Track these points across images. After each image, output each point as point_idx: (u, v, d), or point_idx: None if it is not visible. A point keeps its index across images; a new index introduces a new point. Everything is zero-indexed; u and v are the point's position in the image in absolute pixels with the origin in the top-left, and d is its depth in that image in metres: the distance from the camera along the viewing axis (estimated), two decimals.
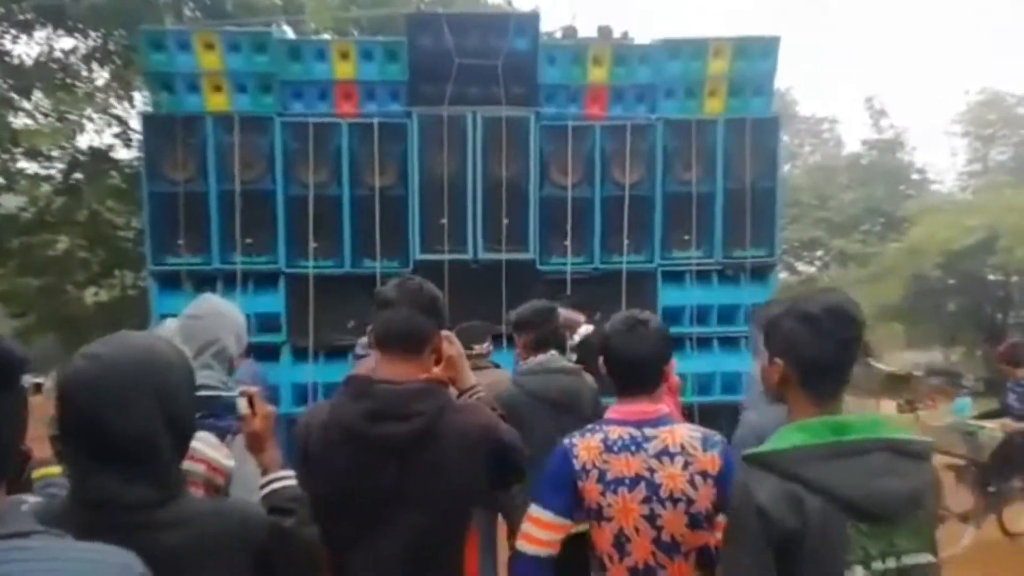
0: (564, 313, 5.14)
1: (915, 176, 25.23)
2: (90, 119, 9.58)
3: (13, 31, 9.49)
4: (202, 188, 6.08)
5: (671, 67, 6.43)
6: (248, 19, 8.64)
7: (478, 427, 1.97)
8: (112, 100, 9.78)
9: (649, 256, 6.44)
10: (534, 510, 2.10)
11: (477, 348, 4.34)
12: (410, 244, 6.21)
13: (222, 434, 1.86)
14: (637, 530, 2.00)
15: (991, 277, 17.05)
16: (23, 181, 9.61)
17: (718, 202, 6.47)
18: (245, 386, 1.76)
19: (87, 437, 1.28)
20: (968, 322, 18.28)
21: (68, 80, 9.78)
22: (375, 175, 6.17)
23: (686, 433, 2.07)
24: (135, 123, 9.68)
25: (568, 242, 6.34)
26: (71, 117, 9.18)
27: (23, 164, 9.73)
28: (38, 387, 2.33)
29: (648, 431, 2.05)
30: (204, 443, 1.88)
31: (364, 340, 5.26)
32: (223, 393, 1.70)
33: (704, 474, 2.00)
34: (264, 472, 1.71)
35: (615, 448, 2.03)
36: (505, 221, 6.22)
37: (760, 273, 6.58)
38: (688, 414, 6.33)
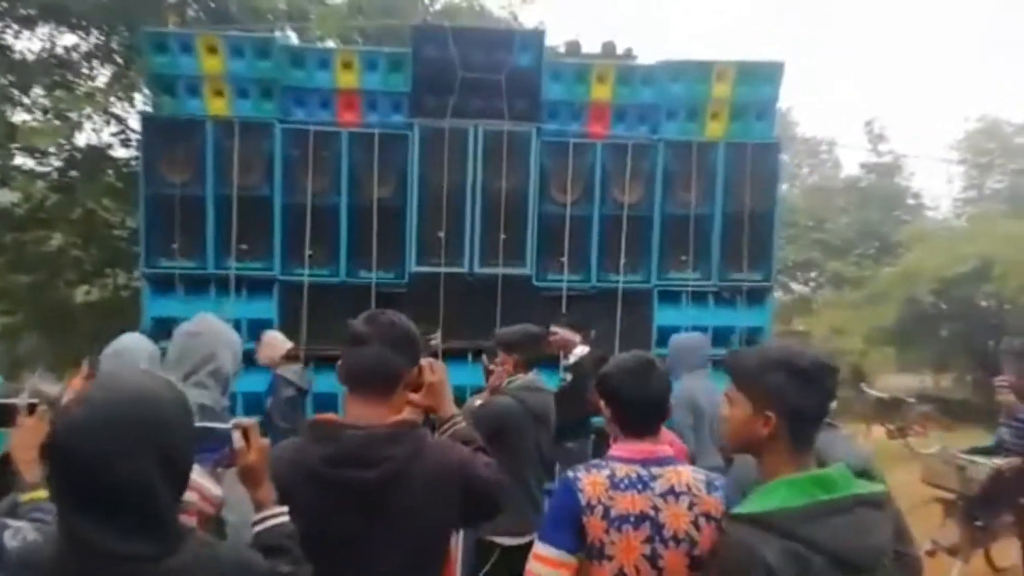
0: (560, 332, 5.12)
1: (911, 201, 25.34)
2: (89, 118, 9.53)
3: (15, 26, 9.45)
4: (199, 192, 6.04)
5: (674, 88, 6.44)
6: (252, 24, 8.63)
7: (450, 468, 1.91)
8: (112, 99, 9.72)
9: (646, 276, 6.43)
10: (540, 548, 2.03)
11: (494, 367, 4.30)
12: (406, 256, 6.18)
13: (215, 464, 1.82)
14: (637, 570, 1.97)
15: (984, 304, 17.09)
16: (18, 177, 9.54)
17: (716, 225, 6.47)
18: (238, 418, 1.72)
19: (82, 488, 1.23)
20: (960, 348, 18.29)
21: (69, 77, 9.73)
22: (374, 185, 6.15)
23: (691, 474, 2.07)
24: (134, 122, 9.63)
25: (565, 259, 6.32)
26: (70, 116, 9.12)
27: (19, 160, 9.67)
28: (31, 408, 2.28)
29: (654, 470, 2.03)
30: (195, 472, 1.84)
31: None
32: (217, 426, 1.66)
33: (708, 516, 1.99)
34: (258, 508, 1.67)
35: (621, 485, 2.00)
36: (503, 236, 6.20)
37: (756, 296, 6.58)
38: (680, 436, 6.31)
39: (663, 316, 6.40)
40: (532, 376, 4.05)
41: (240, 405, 5.65)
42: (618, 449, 2.11)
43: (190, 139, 6.06)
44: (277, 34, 7.36)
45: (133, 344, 2.72)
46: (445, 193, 6.17)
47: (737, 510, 1.67)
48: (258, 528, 1.64)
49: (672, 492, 1.99)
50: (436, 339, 4.54)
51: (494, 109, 6.17)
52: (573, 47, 8.03)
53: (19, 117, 9.47)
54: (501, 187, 6.22)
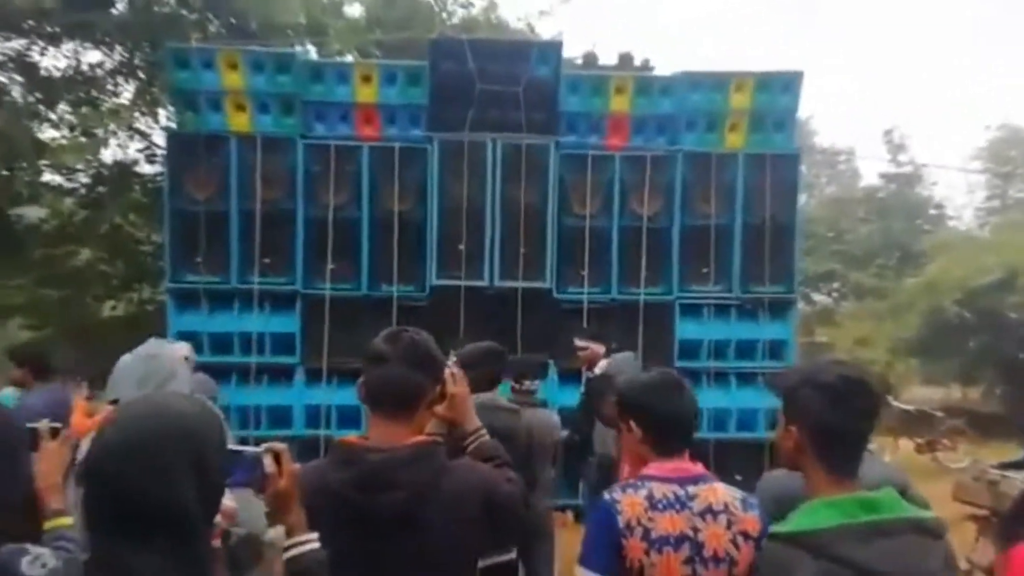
0: (591, 346, 5.08)
1: (933, 211, 25.07)
2: (114, 134, 9.67)
3: (41, 43, 9.63)
4: (223, 207, 6.11)
5: (693, 99, 6.42)
6: (272, 39, 8.74)
7: (473, 488, 1.88)
8: (136, 115, 9.87)
9: (667, 288, 6.39)
10: (581, 572, 1.98)
11: (526, 384, 4.22)
12: (427, 269, 6.19)
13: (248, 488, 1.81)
14: None
15: (1012, 315, 16.82)
16: (47, 194, 9.70)
17: (737, 236, 6.42)
18: (270, 443, 1.71)
19: (118, 511, 1.23)
20: (987, 360, 18.00)
21: (94, 93, 9.89)
22: (394, 199, 6.18)
23: (725, 491, 2.04)
24: (159, 138, 9.77)
25: (585, 272, 6.30)
26: (96, 132, 9.26)
27: (47, 176, 9.83)
28: (55, 432, 2.29)
29: (691, 489, 2.01)
30: None
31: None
32: (247, 449, 1.65)
33: (746, 535, 1.96)
34: (289, 533, 1.66)
35: (660, 506, 1.97)
36: (522, 249, 6.20)
37: (779, 309, 6.51)
38: (703, 451, 6.25)
39: (684, 329, 6.36)
40: (491, 395, 3.80)
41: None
42: (654, 468, 2.07)
43: (214, 155, 6.13)
44: (297, 49, 7.42)
45: (166, 349, 2.75)
46: (465, 206, 6.18)
47: (775, 528, 1.64)
48: (290, 553, 1.62)
49: (710, 511, 1.97)
50: (536, 384, 4.36)
51: (512, 121, 6.19)
52: (590, 59, 8.06)
53: (46, 134, 9.65)
54: (520, 200, 6.22)
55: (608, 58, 8.00)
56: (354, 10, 11.26)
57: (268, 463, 1.62)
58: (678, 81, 6.48)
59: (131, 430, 1.25)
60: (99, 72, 10.07)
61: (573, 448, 4.80)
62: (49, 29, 9.37)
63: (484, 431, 2.20)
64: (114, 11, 9.47)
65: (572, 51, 7.93)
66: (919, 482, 3.22)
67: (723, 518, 1.96)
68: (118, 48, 9.96)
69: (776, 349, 6.38)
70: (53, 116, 9.72)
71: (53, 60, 9.87)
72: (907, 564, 1.50)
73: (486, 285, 6.19)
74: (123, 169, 10.12)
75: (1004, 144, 26.65)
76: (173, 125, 6.74)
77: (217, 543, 1.84)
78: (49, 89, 9.53)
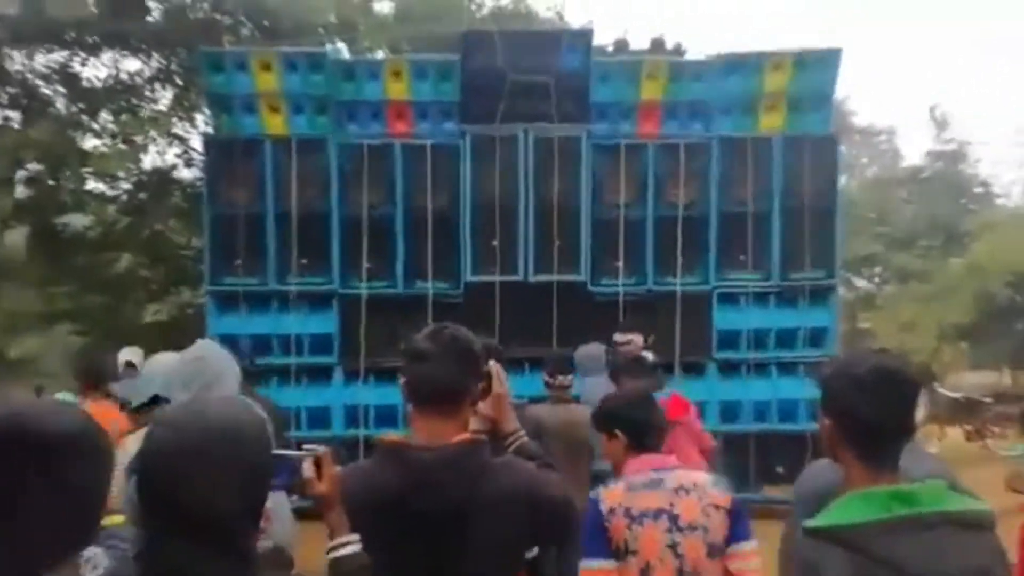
0: (635, 340, 5.00)
1: (979, 189, 24.30)
2: (154, 140, 9.87)
3: (82, 54, 9.85)
4: (260, 210, 6.19)
5: (728, 83, 6.31)
6: (303, 38, 8.80)
7: (518, 488, 1.87)
8: (174, 120, 10.05)
9: (704, 278, 6.30)
10: (585, 564, 2.22)
11: (560, 379, 4.19)
12: (462, 265, 6.20)
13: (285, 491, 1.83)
14: (661, 560, 2.17)
15: None
16: (91, 202, 9.94)
17: (775, 222, 6.30)
18: (312, 446, 1.72)
19: (170, 511, 1.25)
20: None
21: (133, 101, 10.10)
22: (428, 196, 6.19)
23: (695, 474, 2.37)
24: (196, 143, 9.94)
25: (620, 263, 6.25)
26: (136, 139, 9.46)
27: (91, 185, 10.07)
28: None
29: (665, 474, 2.31)
30: None
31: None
32: (289, 453, 1.66)
33: (716, 506, 2.22)
34: (331, 535, 1.67)
35: (637, 487, 2.27)
36: (557, 242, 6.17)
37: (820, 296, 6.38)
38: (743, 444, 6.16)
39: (723, 319, 6.27)
40: None
41: None
42: (630, 467, 2.36)
43: (250, 158, 6.22)
44: (328, 48, 7.47)
45: (215, 352, 2.75)
46: (498, 201, 6.17)
47: (809, 523, 1.57)
48: (333, 555, 1.63)
49: (683, 488, 2.25)
50: (569, 379, 4.26)
51: (543, 112, 6.16)
52: (622, 45, 7.94)
53: (89, 143, 9.88)
54: (553, 193, 6.19)
55: (640, 43, 7.88)
56: (383, 6, 11.31)
57: (307, 468, 1.63)
58: (712, 65, 6.37)
59: (181, 432, 1.27)
60: (138, 80, 10.28)
61: None
62: (89, 40, 9.58)
63: (523, 432, 2.19)
64: (150, 19, 9.65)
65: (603, 38, 7.85)
66: (969, 470, 3.14)
67: (694, 494, 2.24)
68: (155, 55, 10.15)
69: (817, 337, 6.25)
70: (95, 125, 9.95)
71: (93, 70, 10.10)
72: (946, 560, 1.44)
73: (521, 280, 6.17)
74: (162, 175, 10.32)
75: None
76: (210, 130, 6.85)
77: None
78: (91, 99, 9.76)
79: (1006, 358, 19.05)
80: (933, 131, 23.59)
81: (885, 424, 1.58)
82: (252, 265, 6.17)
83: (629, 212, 6.28)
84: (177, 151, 10.49)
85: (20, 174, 9.15)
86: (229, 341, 4.87)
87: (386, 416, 5.81)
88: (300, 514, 2.98)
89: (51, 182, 9.51)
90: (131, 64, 10.26)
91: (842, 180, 7.47)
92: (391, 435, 1.95)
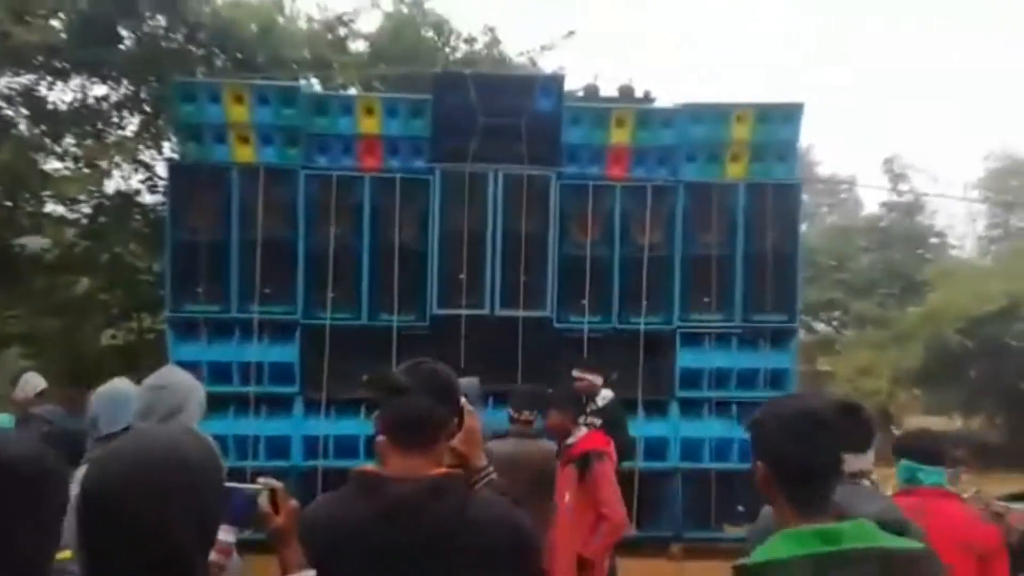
0: (588, 377, 5.05)
1: (934, 240, 25.11)
2: (118, 166, 9.76)
3: (49, 78, 9.76)
4: (224, 237, 6.13)
5: (694, 130, 6.48)
6: (277, 73, 8.85)
7: (498, 523, 1.85)
8: (140, 147, 9.96)
9: (668, 318, 6.39)
10: None
11: (525, 415, 4.18)
12: (428, 299, 6.20)
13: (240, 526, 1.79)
14: None
15: (1013, 344, 16.76)
16: (49, 225, 9.76)
17: (738, 266, 6.44)
18: (266, 479, 1.69)
19: (113, 544, 1.22)
20: (989, 389, 17.89)
21: (99, 126, 9.99)
22: (395, 229, 6.21)
23: None
24: (162, 169, 9.84)
25: (586, 301, 6.31)
26: (100, 164, 9.35)
27: (50, 207, 9.89)
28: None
29: None
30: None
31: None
32: (244, 486, 1.64)
33: None
34: (285, 571, 1.64)
35: None
36: (523, 278, 6.22)
37: (780, 338, 6.51)
38: (705, 481, 6.19)
39: (686, 358, 6.34)
40: None
41: None
42: None
43: (216, 186, 6.18)
44: (301, 82, 7.52)
45: (177, 380, 2.70)
46: (466, 236, 6.21)
47: (737, 562, 1.62)
48: None
49: None
50: (533, 415, 4.25)
51: (514, 153, 6.24)
52: (592, 91, 8.12)
53: (51, 165, 9.72)
54: (521, 230, 6.25)
55: (609, 90, 8.08)
56: (358, 45, 11.42)
57: (263, 501, 1.61)
58: (679, 113, 6.55)
59: (129, 461, 1.24)
60: (104, 105, 10.18)
61: None
62: (58, 65, 9.50)
63: (491, 471, 2.18)
64: (121, 46, 9.61)
65: (574, 83, 8.03)
66: None
67: None
68: (124, 82, 10.09)
69: (777, 378, 6.36)
70: (58, 148, 9.82)
71: (60, 94, 9.99)
72: None
73: (487, 314, 6.19)
74: (125, 199, 10.18)
75: (1004, 174, 26.81)
76: (176, 157, 6.80)
77: None
78: (55, 122, 9.63)
79: (957, 403, 19.50)
80: (889, 183, 24.35)
81: (813, 466, 1.61)
82: (214, 292, 6.09)
83: (596, 251, 6.36)
84: (142, 177, 10.38)
85: None
86: (189, 368, 4.79)
87: (346, 448, 5.74)
88: (249, 547, 2.90)
89: (8, 203, 9.33)
90: (99, 90, 10.18)
91: (804, 228, 7.68)
92: (366, 466, 1.92)
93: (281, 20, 10.34)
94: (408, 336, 6.04)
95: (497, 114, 6.19)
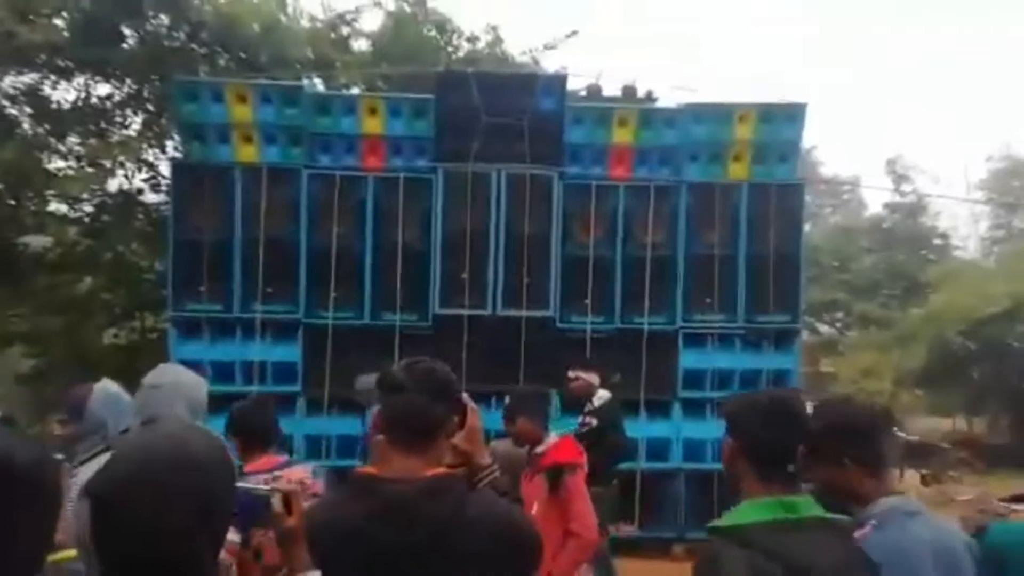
0: (583, 377, 5.05)
1: (937, 241, 25.07)
2: (121, 165, 9.76)
3: (53, 77, 9.77)
4: (227, 236, 6.13)
5: (696, 131, 6.47)
6: (280, 72, 8.84)
7: (498, 522, 1.85)
8: (144, 146, 9.95)
9: (671, 318, 6.38)
10: None
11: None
12: (430, 298, 6.19)
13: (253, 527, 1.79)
14: None
15: (1016, 345, 16.73)
16: (52, 223, 9.76)
17: (741, 266, 6.43)
18: (279, 483, 1.70)
19: (124, 544, 1.21)
20: (992, 390, 17.88)
21: (103, 125, 10.00)
22: (398, 228, 6.21)
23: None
24: (165, 168, 9.85)
25: (589, 301, 6.30)
26: (103, 163, 9.36)
27: (53, 206, 9.90)
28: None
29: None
30: None
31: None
32: (257, 488, 1.64)
33: None
34: (292, 572, 1.64)
35: None
36: (526, 279, 6.21)
37: (783, 339, 6.50)
38: (708, 481, 6.18)
39: (688, 359, 6.33)
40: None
41: None
42: None
43: (219, 185, 6.18)
44: (304, 82, 7.52)
45: (174, 379, 2.71)
46: (468, 236, 6.21)
47: (711, 524, 1.84)
48: None
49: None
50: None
51: (517, 153, 6.24)
52: (594, 91, 8.12)
53: (54, 164, 9.73)
54: (524, 230, 6.25)
55: (612, 89, 8.08)
56: (360, 44, 11.42)
57: (276, 503, 1.61)
58: (681, 113, 6.54)
59: (137, 461, 1.23)
60: (108, 104, 10.18)
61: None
62: (61, 63, 9.51)
63: (495, 468, 2.17)
64: (124, 45, 9.62)
65: (576, 83, 8.02)
66: None
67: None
68: (128, 81, 10.10)
69: (780, 379, 6.34)
70: (62, 147, 9.82)
71: (63, 93, 10.00)
72: (819, 555, 1.75)
73: (489, 314, 6.18)
74: (127, 198, 10.18)
75: (1007, 175, 26.76)
76: (180, 155, 6.80)
77: None
78: (58, 121, 9.64)
79: (961, 404, 19.47)
80: (892, 184, 24.32)
81: (779, 445, 1.88)
82: (216, 291, 6.09)
83: (598, 251, 6.36)
84: (145, 176, 10.39)
85: None
86: (192, 368, 4.80)
87: (348, 447, 5.74)
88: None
89: (12, 202, 9.33)
90: (102, 89, 10.18)
91: (806, 228, 7.67)
92: (365, 467, 1.92)
93: (284, 19, 10.33)
94: (410, 336, 6.04)
95: (500, 114, 6.19)
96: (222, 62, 9.95)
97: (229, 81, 6.65)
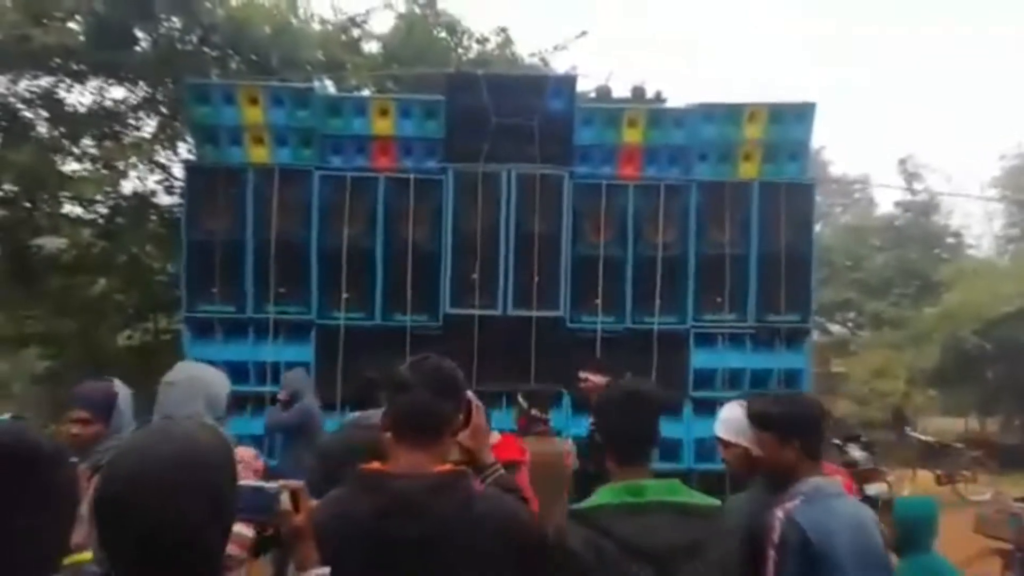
0: (592, 379, 5.05)
1: (950, 239, 24.87)
2: (135, 166, 9.85)
3: (68, 80, 9.86)
4: (239, 238, 6.18)
5: (706, 130, 6.46)
6: (291, 74, 8.90)
7: (505, 519, 1.85)
8: (157, 148, 10.04)
9: (681, 318, 6.38)
10: None
11: (538, 413, 4.18)
12: (441, 298, 6.22)
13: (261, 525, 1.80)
14: None
15: None
16: (66, 225, 9.85)
17: (752, 266, 6.41)
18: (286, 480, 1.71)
19: (133, 540, 1.23)
20: (1006, 390, 17.71)
21: (116, 128, 10.09)
22: (409, 229, 6.24)
23: None
24: (178, 170, 9.93)
25: (599, 301, 6.30)
26: (117, 165, 9.44)
27: (67, 208, 10.00)
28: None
29: None
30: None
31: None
32: (264, 485, 1.65)
33: None
34: (299, 568, 1.65)
35: None
36: (536, 278, 6.23)
37: (794, 339, 6.48)
38: (720, 482, 6.16)
39: (699, 358, 6.33)
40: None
41: None
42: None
43: (231, 187, 6.23)
44: (315, 84, 7.57)
45: (190, 376, 2.71)
46: (479, 236, 6.23)
47: (572, 506, 2.06)
48: None
49: None
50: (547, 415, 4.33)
51: (527, 153, 6.25)
52: (604, 91, 8.13)
53: (69, 167, 9.82)
54: (534, 230, 6.26)
55: (622, 91, 8.08)
56: (371, 46, 11.46)
57: (284, 500, 1.63)
58: (691, 113, 6.53)
59: (143, 457, 1.25)
60: (122, 108, 10.27)
61: (589, 478, 4.77)
62: (75, 67, 9.60)
63: (498, 467, 2.18)
64: (138, 48, 9.70)
65: (586, 85, 8.02)
66: (939, 514, 3.19)
67: None
68: (141, 84, 10.18)
69: (791, 379, 6.32)
70: (76, 150, 9.92)
71: (78, 96, 10.09)
72: (657, 537, 1.89)
73: (499, 314, 6.20)
74: (141, 200, 10.26)
75: (1020, 173, 26.52)
76: (192, 158, 6.85)
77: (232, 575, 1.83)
78: (73, 124, 9.73)
79: (974, 405, 19.31)
80: (903, 183, 24.14)
81: (634, 431, 2.05)
82: (229, 293, 6.14)
83: (609, 251, 6.36)
84: (158, 178, 10.47)
85: None
86: None
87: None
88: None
89: (27, 204, 9.43)
90: (116, 92, 10.27)
91: (817, 227, 7.64)
92: (371, 464, 1.92)
93: (295, 22, 10.38)
94: (421, 336, 6.06)
95: (510, 114, 6.21)
96: (234, 65, 10.02)
97: (241, 83, 6.70)
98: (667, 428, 6.52)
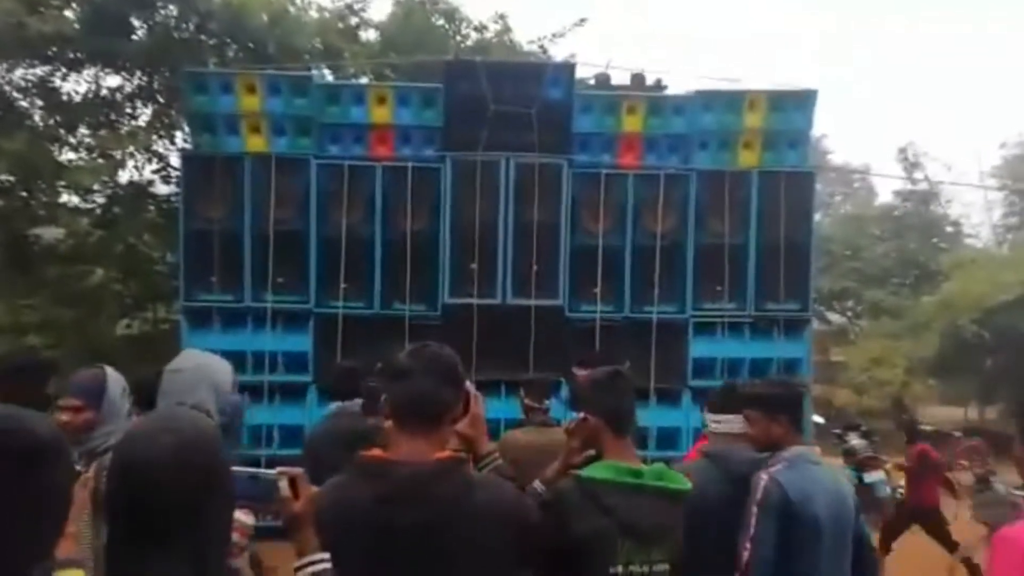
0: (580, 373, 5.02)
1: (949, 229, 24.87)
2: (132, 155, 9.81)
3: (63, 69, 9.81)
4: (237, 227, 6.16)
5: (706, 118, 6.43)
6: (289, 62, 8.85)
7: (505, 506, 1.85)
8: (153, 137, 10.00)
9: (680, 307, 6.37)
10: None
11: (541, 403, 4.17)
12: (439, 288, 6.20)
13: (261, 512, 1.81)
14: None
15: None
16: (64, 214, 9.83)
17: (751, 254, 6.40)
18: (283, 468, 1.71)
19: (137, 526, 1.24)
20: (1005, 379, 17.74)
21: (113, 117, 10.04)
22: (407, 218, 6.21)
23: None
24: (175, 160, 9.89)
25: (598, 290, 6.29)
26: (113, 154, 9.40)
27: (64, 197, 9.97)
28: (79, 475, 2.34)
29: None
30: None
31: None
32: (263, 472, 1.66)
33: None
34: (300, 554, 1.65)
35: None
36: (535, 267, 6.21)
37: (793, 327, 6.47)
38: None
39: (698, 348, 6.32)
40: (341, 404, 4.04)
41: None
42: None
43: (228, 175, 6.20)
44: (313, 72, 7.53)
45: (194, 364, 2.70)
46: (477, 225, 6.20)
47: (574, 472, 2.21)
48: (300, 574, 1.63)
49: None
50: (548, 404, 4.35)
51: (525, 142, 6.22)
52: (603, 79, 8.08)
53: (65, 156, 9.79)
54: (533, 219, 6.24)
55: (621, 78, 8.03)
56: (369, 34, 11.40)
57: (284, 487, 1.64)
58: (690, 100, 6.50)
59: (144, 444, 1.27)
60: (118, 96, 10.22)
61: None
62: (71, 55, 9.54)
63: (496, 455, 2.18)
64: (134, 37, 9.64)
65: (585, 72, 7.97)
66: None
67: None
68: (137, 73, 10.13)
69: (790, 368, 6.32)
70: (72, 139, 9.87)
71: (74, 85, 10.04)
72: (645, 516, 2.13)
73: (498, 303, 6.19)
74: (138, 189, 10.24)
75: (1020, 162, 26.49)
76: (189, 146, 6.82)
77: (235, 561, 1.83)
78: (69, 113, 9.69)
79: (973, 393, 19.36)
80: (904, 172, 24.10)
81: (623, 408, 2.27)
82: (227, 282, 6.12)
83: (608, 240, 6.34)
84: (155, 167, 10.44)
85: None
86: None
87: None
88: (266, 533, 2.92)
89: (23, 193, 9.40)
90: (112, 80, 10.22)
91: (817, 216, 7.62)
92: (371, 451, 1.92)
93: (292, 9, 10.33)
94: (420, 325, 6.05)
95: (508, 102, 6.17)
96: (231, 53, 9.97)
97: (238, 72, 6.66)
98: (666, 417, 6.55)
